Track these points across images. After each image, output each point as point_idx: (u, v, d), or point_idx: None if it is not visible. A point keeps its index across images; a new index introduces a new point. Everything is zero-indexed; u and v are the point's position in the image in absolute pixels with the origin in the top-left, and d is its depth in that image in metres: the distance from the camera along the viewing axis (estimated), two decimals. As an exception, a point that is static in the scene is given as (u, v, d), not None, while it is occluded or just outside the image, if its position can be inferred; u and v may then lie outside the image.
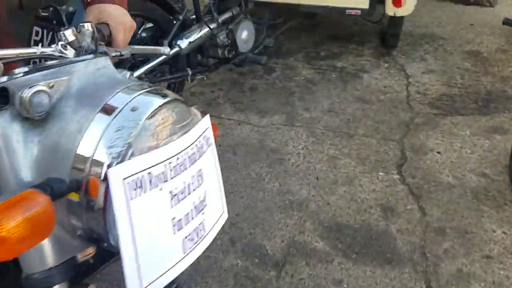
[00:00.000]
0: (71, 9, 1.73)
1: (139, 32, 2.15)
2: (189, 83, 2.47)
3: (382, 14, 2.97)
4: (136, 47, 0.92)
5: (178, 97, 0.61)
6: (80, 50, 0.71)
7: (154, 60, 2.03)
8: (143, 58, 2.03)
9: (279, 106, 2.62)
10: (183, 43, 2.14)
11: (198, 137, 0.59)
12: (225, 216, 0.66)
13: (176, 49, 2.12)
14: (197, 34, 2.20)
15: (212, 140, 0.64)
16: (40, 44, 0.68)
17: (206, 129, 0.62)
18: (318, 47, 3.33)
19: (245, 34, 2.51)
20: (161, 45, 2.09)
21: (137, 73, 1.93)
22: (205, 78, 2.58)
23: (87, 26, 0.80)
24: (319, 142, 2.32)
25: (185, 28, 2.23)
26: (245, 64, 2.69)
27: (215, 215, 0.63)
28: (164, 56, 2.09)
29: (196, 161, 0.58)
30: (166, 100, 0.57)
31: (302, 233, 1.78)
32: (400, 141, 2.34)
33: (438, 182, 2.04)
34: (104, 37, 0.85)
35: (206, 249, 1.86)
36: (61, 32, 0.70)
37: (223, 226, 1.92)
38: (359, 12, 2.82)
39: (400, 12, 2.83)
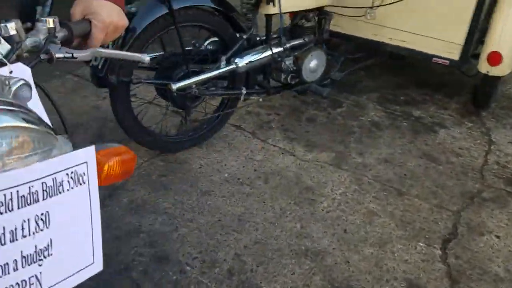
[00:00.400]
0: (133, 9, 1.80)
1: (204, 44, 2.19)
2: (245, 101, 2.44)
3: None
4: (105, 51, 0.85)
5: (34, 125, 0.52)
6: (16, 47, 0.66)
7: (206, 73, 2.04)
8: (198, 69, 2.05)
9: (331, 143, 2.47)
10: (241, 62, 2.12)
11: (54, 173, 0.51)
12: (95, 268, 0.56)
13: (232, 66, 2.11)
14: (258, 55, 2.17)
15: (90, 178, 0.54)
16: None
17: (81, 164, 0.53)
18: (398, 90, 3.09)
19: (313, 63, 2.42)
20: (219, 60, 2.10)
21: (183, 83, 1.94)
22: (260, 100, 2.53)
23: (49, 22, 0.74)
24: (362, 192, 2.13)
25: (249, 47, 2.21)
26: (307, 93, 2.59)
27: (71, 267, 0.54)
28: (219, 71, 2.09)
29: (38, 201, 0.50)
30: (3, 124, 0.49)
31: (307, 286, 1.63)
32: (457, 214, 2.04)
33: (485, 270, 1.74)
34: (71, 35, 0.79)
35: (203, 272, 1.76)
36: (2, 24, 0.66)
37: (226, 255, 1.78)
38: (446, 62, 2.55)
39: (494, 71, 2.50)
